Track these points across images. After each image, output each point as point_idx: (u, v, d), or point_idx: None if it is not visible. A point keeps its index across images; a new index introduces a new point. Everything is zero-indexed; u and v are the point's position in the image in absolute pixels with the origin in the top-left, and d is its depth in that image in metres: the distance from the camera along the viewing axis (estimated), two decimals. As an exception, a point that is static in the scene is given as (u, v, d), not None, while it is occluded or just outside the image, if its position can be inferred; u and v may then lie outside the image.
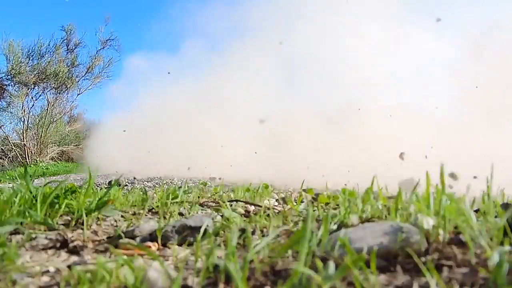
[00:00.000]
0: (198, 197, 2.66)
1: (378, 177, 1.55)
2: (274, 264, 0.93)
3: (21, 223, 1.53)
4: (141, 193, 2.45)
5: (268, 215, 1.84)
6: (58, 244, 1.32)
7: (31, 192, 1.73)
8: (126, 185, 7.22)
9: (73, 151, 20.15)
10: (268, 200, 2.79)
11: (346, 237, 0.97)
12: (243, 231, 1.38)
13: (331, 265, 0.77)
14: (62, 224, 1.69)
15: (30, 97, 18.83)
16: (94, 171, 1.88)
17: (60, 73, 17.98)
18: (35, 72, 17.93)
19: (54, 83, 18.28)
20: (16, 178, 1.85)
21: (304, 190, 2.64)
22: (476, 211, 1.37)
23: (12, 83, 18.18)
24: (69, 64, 19.05)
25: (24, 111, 18.65)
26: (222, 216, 1.79)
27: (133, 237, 1.38)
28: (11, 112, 18.69)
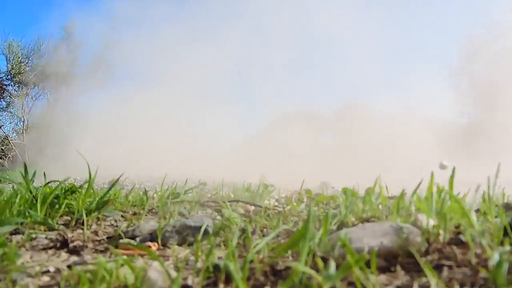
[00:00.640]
0: (198, 197, 2.66)
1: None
2: (274, 264, 0.92)
3: (21, 223, 1.53)
4: (141, 193, 2.45)
5: (268, 215, 1.84)
6: (58, 244, 1.32)
7: (31, 192, 1.73)
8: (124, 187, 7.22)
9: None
10: (268, 200, 2.79)
11: (346, 237, 0.97)
12: (243, 231, 1.38)
13: (332, 265, 0.77)
14: (62, 224, 1.68)
15: (30, 97, 18.83)
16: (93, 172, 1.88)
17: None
18: (35, 72, 17.93)
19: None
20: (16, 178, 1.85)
21: (304, 190, 2.64)
22: (477, 211, 1.37)
23: (12, 83, 18.19)
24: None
25: (24, 111, 18.65)
26: (222, 216, 1.79)
27: (133, 237, 1.38)
28: (10, 112, 18.69)
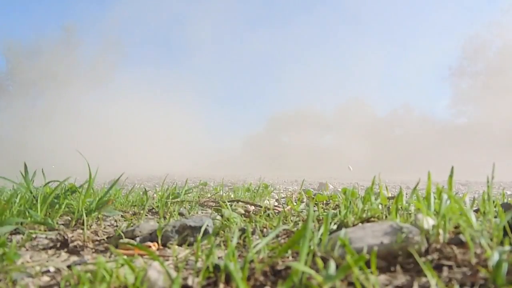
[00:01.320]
0: (198, 197, 2.66)
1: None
2: (274, 264, 0.93)
3: (22, 223, 1.53)
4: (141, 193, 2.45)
5: (268, 215, 1.84)
6: (58, 244, 1.32)
7: (31, 192, 1.73)
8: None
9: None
10: (268, 200, 2.79)
11: (346, 237, 0.97)
12: (243, 231, 1.38)
13: (332, 265, 0.77)
14: (62, 224, 1.69)
15: (30, 96, 18.89)
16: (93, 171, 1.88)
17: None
18: (35, 72, 17.99)
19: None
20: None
21: (303, 190, 2.64)
22: (476, 211, 1.37)
23: (12, 83, 18.23)
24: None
25: (24, 111, 18.70)
26: (222, 216, 1.79)
27: (133, 237, 1.38)
28: (10, 112, 18.74)
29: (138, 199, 2.36)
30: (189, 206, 2.26)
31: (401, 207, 1.34)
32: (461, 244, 0.97)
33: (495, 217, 1.16)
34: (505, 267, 0.73)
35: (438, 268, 0.86)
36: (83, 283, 0.81)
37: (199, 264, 1.00)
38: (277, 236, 1.35)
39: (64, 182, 1.86)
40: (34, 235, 1.45)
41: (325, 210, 1.96)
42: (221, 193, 3.09)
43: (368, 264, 0.81)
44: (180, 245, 1.33)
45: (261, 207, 2.18)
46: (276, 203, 2.59)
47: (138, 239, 1.37)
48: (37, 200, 1.64)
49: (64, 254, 1.24)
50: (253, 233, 1.47)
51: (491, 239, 0.95)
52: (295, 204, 2.03)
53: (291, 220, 1.69)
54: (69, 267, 1.08)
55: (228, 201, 2.17)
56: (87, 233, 1.45)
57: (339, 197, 2.34)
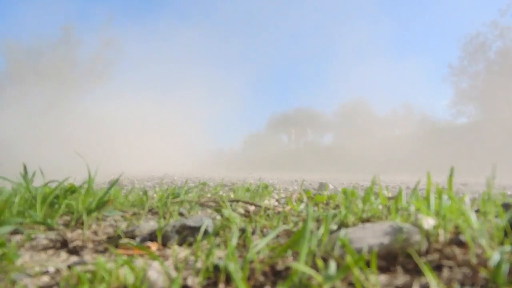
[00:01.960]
0: (198, 197, 2.66)
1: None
2: (274, 264, 0.92)
3: (21, 223, 1.53)
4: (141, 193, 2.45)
5: (268, 215, 1.84)
6: (58, 244, 1.32)
7: (30, 192, 1.73)
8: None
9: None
10: (268, 200, 2.79)
11: (346, 237, 0.97)
12: (243, 231, 1.38)
13: (332, 265, 0.77)
14: (62, 224, 1.68)
15: (29, 96, 18.91)
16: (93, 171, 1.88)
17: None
18: (34, 72, 18.02)
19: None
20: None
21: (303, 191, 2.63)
22: (477, 211, 1.37)
23: (12, 83, 18.24)
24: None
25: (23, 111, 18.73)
26: (222, 216, 1.79)
27: (133, 237, 1.38)
28: (10, 112, 18.76)
29: (138, 199, 2.35)
30: (189, 206, 2.26)
31: (401, 207, 1.34)
32: (462, 244, 0.97)
33: (496, 217, 1.15)
34: (505, 267, 0.73)
35: (438, 268, 0.86)
36: (83, 283, 0.81)
37: (199, 264, 1.00)
38: (277, 236, 1.35)
39: (64, 182, 1.86)
40: (33, 235, 1.44)
41: (325, 210, 1.96)
42: (221, 193, 3.09)
43: (368, 264, 0.81)
44: (180, 245, 1.33)
45: (261, 207, 2.17)
46: (276, 203, 2.59)
47: (138, 239, 1.37)
48: (36, 200, 1.64)
49: (63, 254, 1.24)
50: (253, 233, 1.47)
51: (492, 239, 0.95)
52: (295, 204, 2.03)
53: (291, 220, 1.69)
54: (68, 267, 1.07)
55: (228, 201, 2.17)
56: (86, 233, 1.45)
57: (339, 197, 2.34)
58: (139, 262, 1.07)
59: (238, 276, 0.77)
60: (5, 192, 1.95)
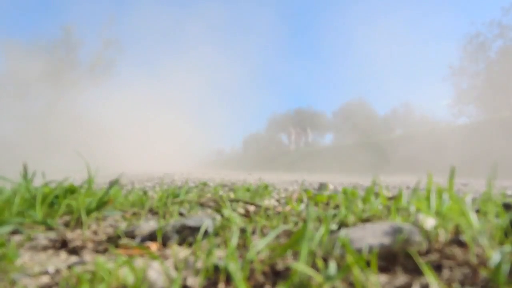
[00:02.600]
0: (198, 197, 2.66)
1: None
2: (274, 264, 0.92)
3: (21, 223, 1.53)
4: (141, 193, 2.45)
5: (268, 215, 1.84)
6: (57, 244, 1.32)
7: (30, 192, 1.73)
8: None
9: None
10: (268, 200, 2.79)
11: (346, 237, 0.97)
12: (243, 231, 1.38)
13: (332, 265, 0.77)
14: (62, 224, 1.68)
15: (29, 97, 18.92)
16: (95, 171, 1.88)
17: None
18: (34, 72, 18.02)
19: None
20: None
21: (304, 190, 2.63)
22: (477, 211, 1.37)
23: (12, 83, 18.24)
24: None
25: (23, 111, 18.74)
26: (222, 216, 1.79)
27: (133, 237, 1.38)
28: (10, 112, 18.76)
29: (138, 199, 2.35)
30: (189, 206, 2.26)
31: (402, 207, 1.34)
32: (462, 244, 0.97)
33: (496, 217, 1.15)
34: (505, 267, 0.73)
35: (438, 268, 0.86)
36: (83, 283, 0.81)
37: (199, 264, 1.00)
38: (277, 236, 1.35)
39: (64, 182, 1.86)
40: (33, 235, 1.44)
41: (325, 210, 1.96)
42: (221, 193, 3.09)
43: (368, 264, 0.80)
44: (180, 245, 1.33)
45: (261, 207, 2.17)
46: (276, 203, 2.59)
47: (138, 239, 1.37)
48: (36, 200, 1.64)
49: (63, 254, 1.24)
50: (253, 233, 1.47)
51: (492, 239, 0.95)
52: (295, 204, 2.03)
53: (291, 220, 1.69)
54: (68, 267, 1.07)
55: (228, 201, 2.17)
56: (86, 233, 1.45)
57: (339, 197, 2.34)
58: (139, 262, 1.07)
59: (238, 276, 0.76)
60: (5, 192, 1.95)
